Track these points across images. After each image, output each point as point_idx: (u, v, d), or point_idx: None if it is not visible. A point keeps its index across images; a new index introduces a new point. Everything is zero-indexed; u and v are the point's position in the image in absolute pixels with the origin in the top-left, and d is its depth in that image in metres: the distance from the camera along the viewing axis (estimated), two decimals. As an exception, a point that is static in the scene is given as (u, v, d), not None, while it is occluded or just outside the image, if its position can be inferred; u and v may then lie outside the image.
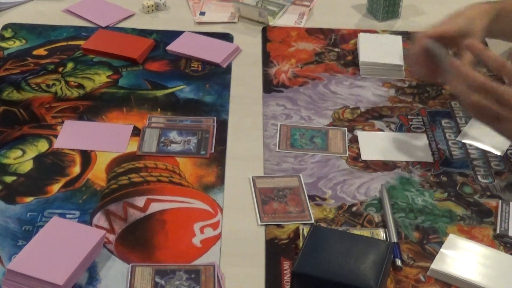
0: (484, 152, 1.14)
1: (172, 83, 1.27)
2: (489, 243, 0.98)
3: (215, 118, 1.19)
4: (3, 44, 1.36)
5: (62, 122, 1.17)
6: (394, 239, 0.97)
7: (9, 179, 1.06)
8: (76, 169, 1.08)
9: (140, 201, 1.03)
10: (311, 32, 1.43)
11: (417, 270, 0.94)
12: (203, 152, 1.12)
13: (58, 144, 1.13)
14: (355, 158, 1.12)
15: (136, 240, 0.97)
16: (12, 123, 1.16)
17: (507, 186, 1.08)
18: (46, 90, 1.24)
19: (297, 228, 0.99)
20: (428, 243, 0.98)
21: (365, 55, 1.33)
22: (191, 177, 1.08)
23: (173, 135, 1.15)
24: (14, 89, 1.24)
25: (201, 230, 0.98)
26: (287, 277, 0.92)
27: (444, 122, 1.21)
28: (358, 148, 1.14)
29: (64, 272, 0.87)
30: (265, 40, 1.41)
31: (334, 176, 1.09)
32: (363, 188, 1.07)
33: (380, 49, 1.35)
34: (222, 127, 1.17)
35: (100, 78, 1.28)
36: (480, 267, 0.93)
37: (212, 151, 1.12)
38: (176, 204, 1.03)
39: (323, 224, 1.00)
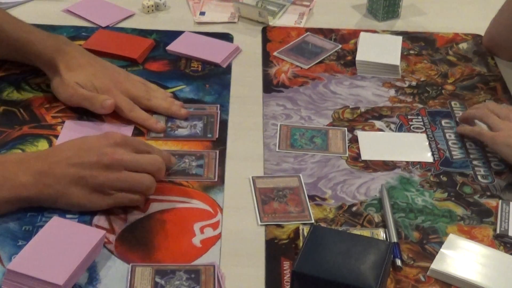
0: (484, 152, 1.14)
1: (172, 83, 1.27)
2: (489, 243, 0.98)
3: (219, 105, 1.20)
4: (3, 44, 1.36)
5: (62, 122, 1.17)
6: (394, 239, 0.97)
7: (9, 179, 1.06)
8: (76, 169, 1.08)
9: (140, 201, 1.03)
10: (311, 32, 1.43)
11: (417, 270, 0.94)
12: (209, 135, 1.13)
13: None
14: (355, 158, 1.12)
15: (136, 240, 0.97)
16: (12, 123, 1.16)
17: (507, 186, 1.08)
18: (46, 90, 1.24)
19: (297, 228, 0.99)
20: (428, 243, 0.98)
21: (361, 54, 1.33)
22: (191, 177, 1.08)
23: (180, 120, 1.16)
24: (14, 89, 1.24)
25: (201, 230, 0.98)
26: (287, 277, 0.92)
27: (444, 122, 1.21)
28: (358, 148, 1.14)
29: (64, 272, 0.87)
30: (265, 40, 1.41)
31: (334, 176, 1.09)
32: (363, 188, 1.07)
33: (379, 48, 1.35)
34: (222, 127, 1.17)
35: (100, 78, 1.28)
36: (480, 267, 0.93)
37: (218, 135, 1.13)
38: (176, 204, 1.02)
39: (323, 224, 1.00)
